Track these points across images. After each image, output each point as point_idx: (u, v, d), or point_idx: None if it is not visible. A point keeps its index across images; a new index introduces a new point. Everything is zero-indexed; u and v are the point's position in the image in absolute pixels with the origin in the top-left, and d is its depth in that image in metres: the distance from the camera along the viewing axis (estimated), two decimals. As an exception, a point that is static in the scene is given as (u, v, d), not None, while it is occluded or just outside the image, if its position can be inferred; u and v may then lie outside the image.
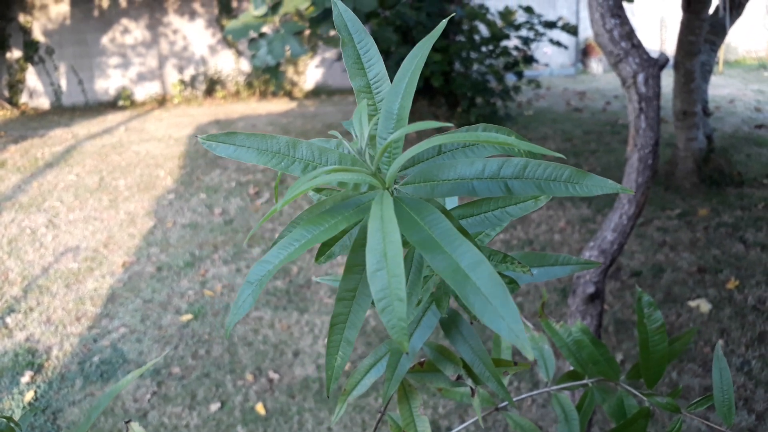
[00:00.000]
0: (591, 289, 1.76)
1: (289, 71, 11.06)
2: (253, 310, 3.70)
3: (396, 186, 0.52)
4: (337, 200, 0.52)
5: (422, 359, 0.68)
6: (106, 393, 0.60)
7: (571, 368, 0.92)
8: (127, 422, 0.67)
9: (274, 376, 3.10)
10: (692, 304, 3.55)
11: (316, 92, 11.31)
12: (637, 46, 1.93)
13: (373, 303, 0.49)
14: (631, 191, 0.45)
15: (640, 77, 1.87)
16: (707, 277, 3.86)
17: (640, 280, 3.87)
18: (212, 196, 5.67)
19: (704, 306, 3.53)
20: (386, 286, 0.41)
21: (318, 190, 0.62)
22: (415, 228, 0.44)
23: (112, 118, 9.33)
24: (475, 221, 0.56)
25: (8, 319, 3.70)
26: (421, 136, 7.28)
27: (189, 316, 3.66)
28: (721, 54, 11.94)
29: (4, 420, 0.67)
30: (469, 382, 0.60)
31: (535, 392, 0.89)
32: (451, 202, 0.64)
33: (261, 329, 3.51)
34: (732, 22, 5.28)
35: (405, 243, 0.56)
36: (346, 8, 0.61)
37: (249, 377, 3.10)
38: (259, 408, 2.87)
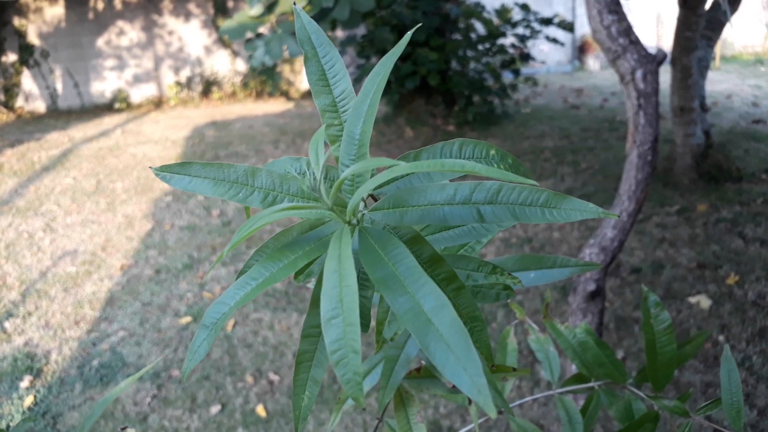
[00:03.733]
0: (592, 287, 1.75)
1: (286, 71, 11.04)
2: (253, 312, 3.69)
3: (365, 211, 0.49)
4: (304, 229, 0.50)
5: (419, 365, 0.67)
6: (101, 400, 0.58)
7: (574, 371, 0.91)
8: (123, 429, 0.65)
9: (275, 377, 3.09)
10: (692, 300, 3.55)
11: (313, 92, 11.28)
12: (635, 42, 1.92)
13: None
14: (615, 216, 0.42)
15: (639, 73, 1.86)
16: (707, 272, 3.85)
17: (639, 277, 3.87)
18: (210, 198, 5.66)
19: (704, 302, 3.52)
20: (341, 337, 0.38)
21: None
22: (379, 264, 0.41)
23: (108, 121, 9.30)
24: (463, 231, 0.54)
25: (7, 324, 3.68)
26: (408, 142, 7.28)
27: (188, 319, 3.65)
28: (718, 49, 11.95)
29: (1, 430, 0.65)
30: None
31: (539, 395, 0.88)
32: None
33: (261, 331, 3.50)
34: (728, 17, 5.27)
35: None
36: (310, 20, 0.57)
37: (249, 379, 3.08)
38: (260, 410, 2.86)
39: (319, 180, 0.48)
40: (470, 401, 0.61)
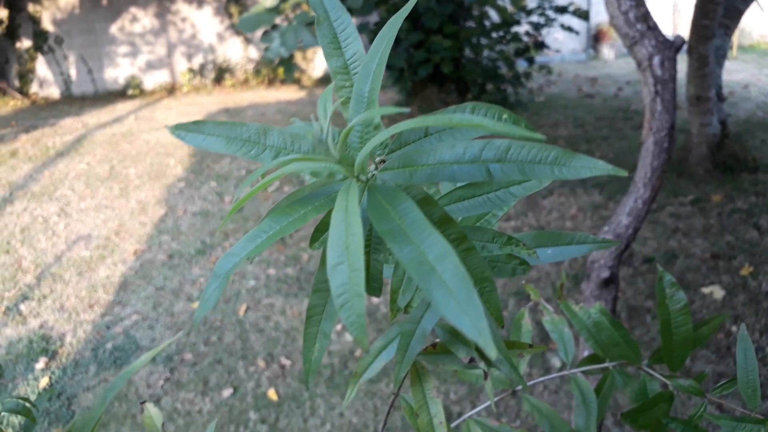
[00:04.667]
0: (605, 274, 1.74)
1: (298, 59, 11.03)
2: (265, 297, 3.71)
3: (375, 172, 0.50)
4: (316, 188, 0.50)
5: (435, 341, 0.67)
6: (121, 374, 0.59)
7: (587, 354, 0.91)
8: (142, 403, 0.66)
9: (286, 362, 3.11)
10: (705, 290, 3.52)
11: (325, 80, 11.27)
12: (653, 28, 1.90)
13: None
14: (625, 172, 0.42)
15: (656, 60, 1.84)
16: (721, 263, 3.82)
17: (652, 267, 3.84)
18: (222, 184, 5.68)
19: (718, 292, 3.50)
20: (346, 281, 0.39)
21: (316, 174, 0.61)
22: (386, 218, 0.42)
23: (121, 107, 9.34)
24: (477, 202, 0.54)
25: (22, 306, 3.73)
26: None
27: (200, 303, 3.68)
28: (735, 39, 11.78)
29: (21, 401, 0.67)
30: (482, 365, 0.59)
31: (553, 375, 0.88)
32: (447, 185, 0.62)
33: (272, 316, 3.52)
34: (746, 5, 5.19)
35: None
36: None
37: (261, 363, 3.11)
38: (272, 394, 2.88)
39: (326, 131, 0.48)
40: (486, 376, 0.61)
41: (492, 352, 0.33)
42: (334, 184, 0.50)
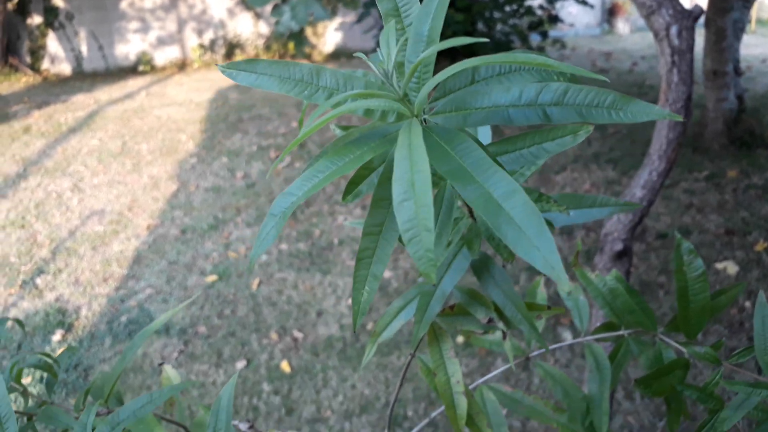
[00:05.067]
0: (619, 247, 1.73)
1: (309, 34, 10.94)
2: (277, 272, 3.73)
3: (425, 116, 0.49)
4: (364, 131, 0.50)
5: (453, 303, 0.67)
6: (140, 332, 0.60)
7: (600, 325, 0.90)
8: (160, 365, 0.67)
9: (299, 335, 3.14)
10: (719, 266, 3.50)
11: (336, 55, 11.19)
12: (671, -4, 1.85)
13: (400, 239, 0.48)
14: (680, 117, 0.43)
15: (674, 29, 1.81)
16: (735, 239, 3.79)
17: (666, 242, 3.82)
18: (234, 160, 5.69)
19: (731, 268, 3.48)
20: (413, 217, 0.39)
21: (343, 128, 0.60)
22: (446, 158, 0.42)
23: (132, 83, 9.34)
24: (510, 158, 0.54)
25: (38, 280, 3.77)
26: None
27: (214, 277, 3.71)
28: (754, 12, 11.54)
29: (44, 357, 0.68)
30: (501, 325, 0.59)
31: (568, 342, 0.88)
32: (483, 139, 0.61)
33: (285, 290, 3.55)
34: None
35: (434, 179, 0.53)
36: None
37: (274, 336, 3.14)
38: (285, 366, 2.92)
39: (393, 67, 0.47)
40: (505, 336, 0.61)
41: (565, 285, 0.34)
42: (388, 126, 0.49)
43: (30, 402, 0.66)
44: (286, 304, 3.42)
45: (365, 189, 0.53)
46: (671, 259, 3.56)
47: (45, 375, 0.68)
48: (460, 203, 0.55)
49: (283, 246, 4.04)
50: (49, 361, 0.66)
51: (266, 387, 2.80)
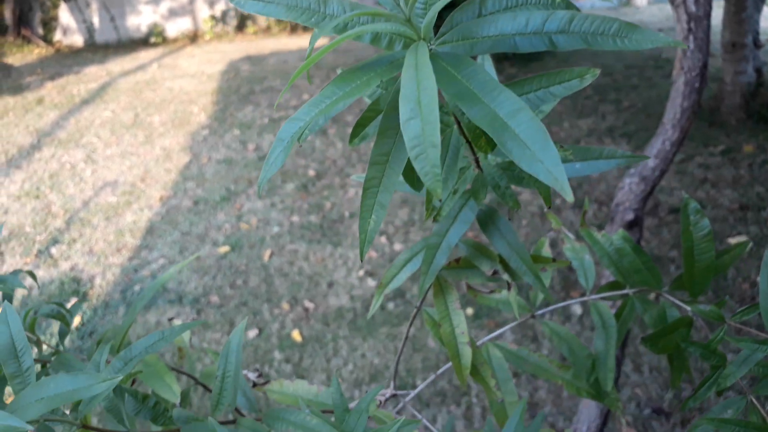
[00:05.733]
0: (630, 216, 1.73)
1: None
2: (289, 243, 3.76)
3: (432, 46, 0.49)
4: (371, 60, 0.50)
5: (458, 257, 0.68)
6: (150, 284, 0.61)
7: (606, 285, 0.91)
8: (170, 320, 0.69)
9: (310, 305, 3.17)
10: (732, 241, 3.48)
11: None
12: (689, -38, 1.82)
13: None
14: (685, 45, 0.43)
15: (691, -4, 1.77)
16: (749, 214, 3.76)
17: (678, 217, 3.80)
18: (246, 133, 5.69)
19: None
20: (420, 134, 0.40)
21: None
22: (452, 81, 0.42)
23: (144, 55, 9.33)
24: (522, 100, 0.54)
25: (53, 250, 3.83)
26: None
27: (226, 248, 3.74)
28: (776, -17, 11.25)
29: (56, 306, 0.69)
30: (506, 276, 0.60)
31: (574, 300, 0.88)
32: None
33: (296, 261, 3.57)
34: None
35: (441, 126, 0.53)
36: None
37: (285, 306, 3.17)
38: (296, 335, 2.95)
39: None
40: (509, 287, 0.62)
41: (568, 196, 0.34)
42: (395, 53, 0.50)
43: (44, 351, 0.68)
44: (297, 275, 3.45)
45: (372, 132, 0.53)
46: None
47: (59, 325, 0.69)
48: (465, 152, 0.56)
49: (295, 218, 4.06)
50: (62, 311, 0.67)
51: (277, 355, 2.84)
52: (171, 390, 0.64)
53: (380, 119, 0.49)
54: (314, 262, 3.56)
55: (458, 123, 0.52)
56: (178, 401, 0.64)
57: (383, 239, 3.73)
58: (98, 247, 3.85)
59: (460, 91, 0.41)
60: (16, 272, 0.73)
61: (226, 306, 3.21)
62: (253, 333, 2.99)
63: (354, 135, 0.54)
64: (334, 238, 3.80)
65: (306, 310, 3.15)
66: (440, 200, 0.46)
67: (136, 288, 3.40)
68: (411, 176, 0.53)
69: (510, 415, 0.73)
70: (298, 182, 4.58)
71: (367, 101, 0.58)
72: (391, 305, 3.13)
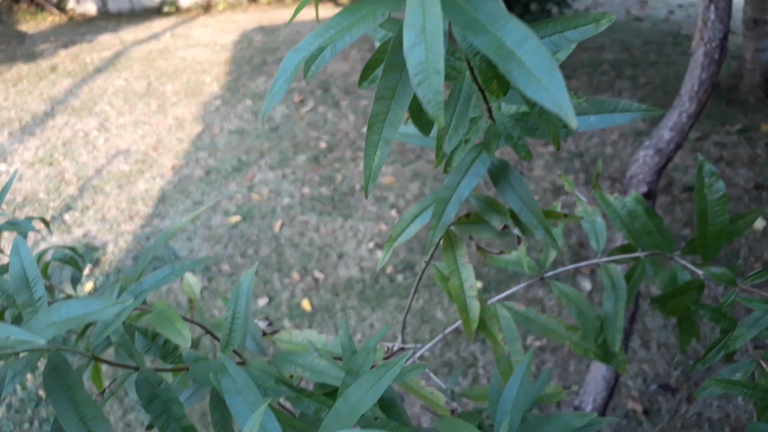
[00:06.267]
0: (643, 189, 1.71)
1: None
2: (299, 215, 3.77)
3: None
4: None
5: (468, 211, 0.68)
6: (160, 235, 0.61)
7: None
8: (182, 279, 0.69)
9: (320, 275, 3.19)
10: (746, 219, 3.45)
11: None
12: (713, -71, 1.77)
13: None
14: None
15: (713, -35, 1.73)
16: (764, 194, 3.72)
17: (692, 196, 3.76)
18: (258, 103, 5.67)
19: (759, 223, 3.42)
20: (423, 60, 0.39)
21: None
22: (459, 10, 0.42)
23: (157, 24, 9.28)
24: None
25: (66, 216, 3.86)
26: None
27: (237, 218, 3.76)
28: (802, -40, 10.96)
29: (69, 251, 0.70)
30: (516, 230, 0.59)
31: (584, 263, 0.88)
32: None
33: (307, 232, 3.59)
34: None
35: (452, 71, 0.52)
36: None
37: (295, 276, 3.19)
38: (305, 304, 2.97)
39: None
40: (519, 241, 0.62)
41: (572, 122, 0.34)
42: None
43: (57, 296, 0.69)
44: (307, 246, 3.46)
45: (380, 74, 0.52)
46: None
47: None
48: (478, 100, 0.55)
49: (306, 190, 4.06)
50: (75, 256, 0.68)
51: (287, 324, 2.87)
52: (182, 335, 0.65)
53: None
54: (324, 233, 3.57)
55: (470, 69, 0.52)
56: (188, 345, 0.64)
57: (393, 212, 3.73)
58: (111, 214, 3.88)
59: (468, 20, 0.40)
60: (29, 219, 0.74)
61: (236, 274, 3.24)
62: (263, 301, 3.02)
63: (363, 77, 0.53)
64: (344, 211, 3.80)
65: (316, 280, 3.17)
66: (442, 126, 0.45)
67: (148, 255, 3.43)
68: (419, 117, 0.52)
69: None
70: (310, 154, 4.57)
71: (377, 44, 0.57)
72: (400, 277, 3.14)
